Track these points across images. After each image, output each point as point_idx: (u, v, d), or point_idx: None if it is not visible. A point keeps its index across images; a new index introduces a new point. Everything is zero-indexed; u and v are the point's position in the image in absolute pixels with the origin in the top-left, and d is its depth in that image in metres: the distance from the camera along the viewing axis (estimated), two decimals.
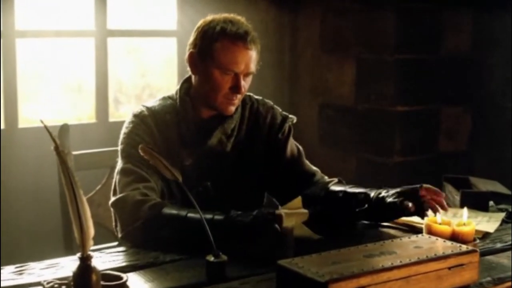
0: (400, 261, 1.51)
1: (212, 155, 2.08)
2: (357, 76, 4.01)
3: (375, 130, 3.94)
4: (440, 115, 4.02)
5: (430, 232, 1.78)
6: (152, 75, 4.17)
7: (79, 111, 3.93)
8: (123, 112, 4.02)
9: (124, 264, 1.75)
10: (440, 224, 1.79)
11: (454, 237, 1.75)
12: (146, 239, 1.86)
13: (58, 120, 3.57)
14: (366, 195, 2.02)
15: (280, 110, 2.26)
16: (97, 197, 2.45)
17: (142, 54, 4.15)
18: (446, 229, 1.77)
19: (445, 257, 1.56)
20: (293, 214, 1.90)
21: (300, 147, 2.28)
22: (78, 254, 1.40)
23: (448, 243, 1.66)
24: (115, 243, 2.30)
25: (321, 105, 4.25)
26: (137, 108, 2.11)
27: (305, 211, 1.96)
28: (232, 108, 2.08)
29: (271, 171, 2.19)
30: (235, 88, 2.02)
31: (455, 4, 3.94)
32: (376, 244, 1.64)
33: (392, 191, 1.97)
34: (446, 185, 2.44)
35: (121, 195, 1.94)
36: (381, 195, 1.98)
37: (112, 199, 1.97)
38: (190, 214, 1.82)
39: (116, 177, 2.02)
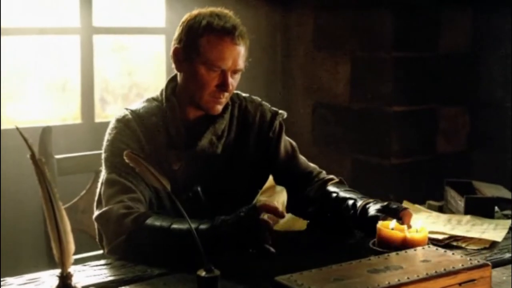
0: (408, 278, 1.42)
1: (202, 158, 1.99)
2: (352, 74, 3.94)
3: (371, 131, 3.88)
4: (438, 115, 3.96)
5: (380, 236, 1.72)
6: (139, 74, 4.10)
7: (63, 111, 3.85)
8: (110, 112, 3.95)
9: (109, 278, 1.66)
10: (392, 229, 1.72)
11: (405, 244, 1.68)
12: (132, 254, 1.76)
13: (42, 121, 3.51)
14: (354, 202, 1.92)
15: (269, 106, 2.17)
16: (82, 203, 2.37)
17: (129, 52, 4.08)
18: (397, 234, 1.70)
19: (455, 272, 1.46)
20: (273, 196, 1.84)
21: (294, 143, 2.19)
22: (58, 272, 1.31)
23: (457, 256, 1.57)
24: (100, 252, 2.20)
25: (315, 104, 4.18)
26: (120, 112, 2.00)
27: (281, 187, 1.89)
28: (219, 107, 1.98)
29: (265, 172, 2.07)
30: (222, 85, 1.92)
31: (453, 2, 3.89)
32: (380, 258, 1.55)
33: (379, 204, 1.86)
34: (448, 190, 2.34)
35: (104, 209, 1.84)
36: (366, 206, 1.88)
37: (96, 213, 1.88)
38: (174, 226, 1.72)
39: (100, 187, 1.92)
